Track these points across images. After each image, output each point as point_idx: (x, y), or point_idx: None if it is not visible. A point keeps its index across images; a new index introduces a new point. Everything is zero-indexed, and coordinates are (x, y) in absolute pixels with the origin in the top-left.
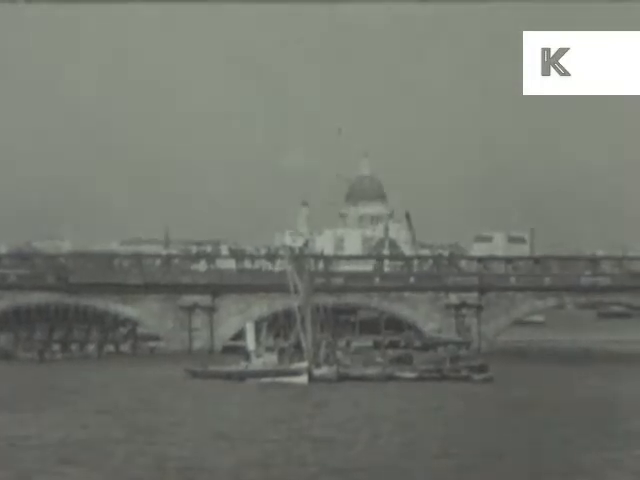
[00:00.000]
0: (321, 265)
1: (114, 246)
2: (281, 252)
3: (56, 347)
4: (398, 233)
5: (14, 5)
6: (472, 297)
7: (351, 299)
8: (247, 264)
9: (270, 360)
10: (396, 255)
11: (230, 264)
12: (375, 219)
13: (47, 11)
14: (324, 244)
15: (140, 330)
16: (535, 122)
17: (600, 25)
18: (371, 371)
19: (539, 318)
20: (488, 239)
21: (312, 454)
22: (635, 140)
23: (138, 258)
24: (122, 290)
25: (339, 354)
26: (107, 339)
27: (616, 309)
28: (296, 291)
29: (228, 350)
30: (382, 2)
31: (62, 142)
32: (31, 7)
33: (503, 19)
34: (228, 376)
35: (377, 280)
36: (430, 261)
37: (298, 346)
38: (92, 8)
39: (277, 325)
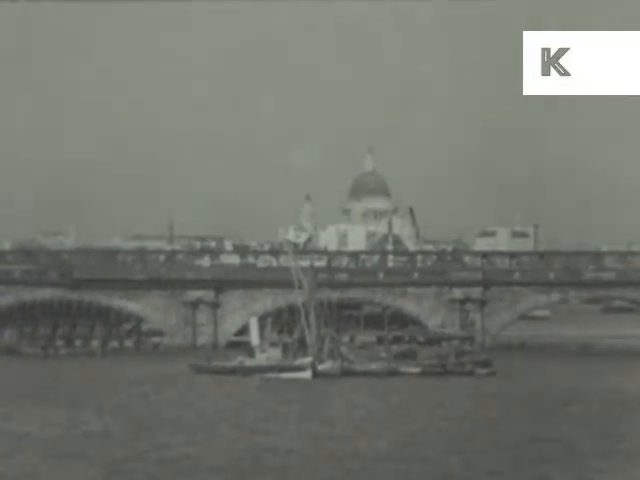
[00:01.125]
0: (325, 260)
1: (118, 242)
2: (285, 248)
3: (60, 342)
4: (402, 228)
5: (15, 4)
6: (476, 292)
7: (355, 294)
8: (251, 259)
9: (274, 355)
10: (400, 250)
11: (234, 259)
12: (379, 214)
13: (47, 11)
14: (328, 239)
15: (144, 326)
16: (535, 122)
17: (600, 25)
18: (375, 366)
19: (543, 313)
20: (492, 234)
21: (310, 449)
22: (635, 139)
23: (142, 254)
24: (126, 286)
25: (343, 349)
26: (111, 335)
27: (620, 304)
28: (300, 286)
29: (232, 345)
30: (384, 1)
31: (65, 140)
32: (32, 6)
33: (503, 19)
34: (232, 371)
35: (381, 275)
36: (434, 256)
37: (302, 341)
38: (92, 7)
39: (281, 320)
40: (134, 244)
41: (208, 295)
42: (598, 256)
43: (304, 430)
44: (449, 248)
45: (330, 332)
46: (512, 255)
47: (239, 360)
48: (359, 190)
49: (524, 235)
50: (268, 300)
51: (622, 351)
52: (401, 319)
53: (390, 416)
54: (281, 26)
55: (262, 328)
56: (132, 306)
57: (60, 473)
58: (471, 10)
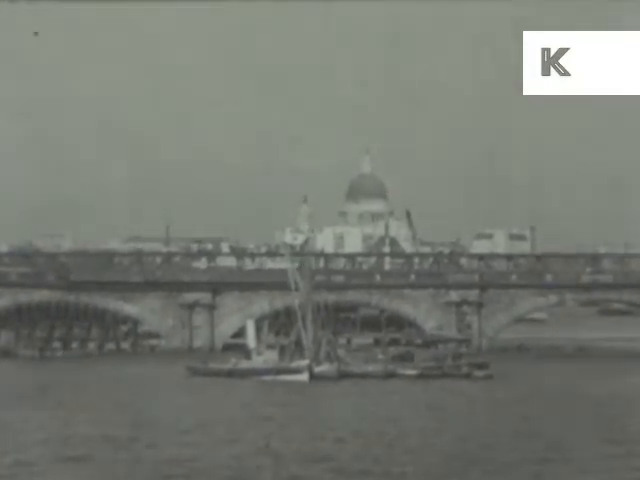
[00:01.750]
0: (322, 263)
1: (115, 244)
2: (282, 250)
3: (57, 345)
4: (399, 231)
5: (14, 5)
6: (473, 294)
7: (352, 297)
8: (248, 262)
9: (271, 358)
10: (397, 253)
11: (231, 262)
12: (376, 217)
13: (47, 11)
14: (324, 242)
15: (141, 328)
16: (535, 122)
17: (600, 25)
18: (372, 368)
19: (540, 315)
20: (489, 236)
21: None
22: (635, 139)
23: (139, 256)
24: (123, 288)
25: (340, 352)
26: (108, 337)
27: (617, 306)
28: (297, 289)
29: (229, 348)
30: (383, 1)
31: (62, 141)
32: (31, 7)
33: (503, 19)
34: (229, 374)
35: (378, 278)
36: (431, 259)
37: (299, 344)
38: (92, 8)
39: (278, 323)
40: (131, 246)
41: (205, 297)
42: (595, 258)
43: (300, 433)
44: (446, 250)
45: (327, 334)
46: (509, 257)
47: (233, 362)
48: (356, 192)
49: (521, 237)
50: (265, 302)
51: (619, 353)
52: (398, 321)
53: (387, 418)
54: (280, 26)
55: (259, 330)
56: (129, 308)
57: (57, 475)
58: (471, 10)
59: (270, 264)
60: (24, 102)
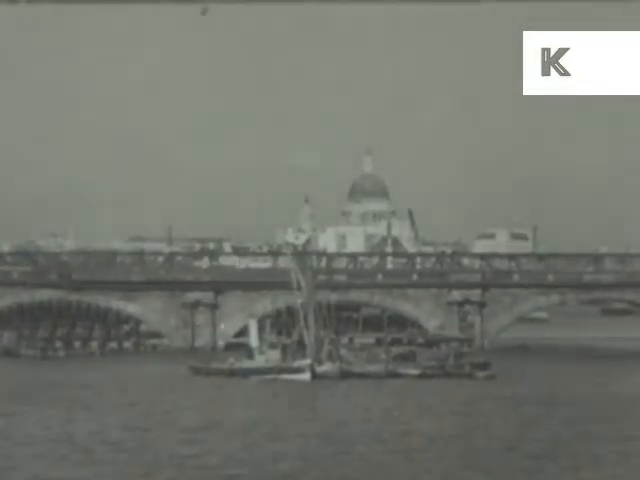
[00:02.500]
0: (324, 262)
1: (117, 243)
2: (284, 249)
3: (59, 344)
4: (401, 230)
5: (14, 5)
6: (475, 294)
7: (354, 296)
8: (250, 261)
9: (273, 357)
10: (399, 252)
11: (233, 261)
12: (378, 216)
13: (47, 11)
14: (327, 241)
15: (143, 327)
16: (535, 122)
17: (600, 25)
18: (374, 368)
19: (542, 315)
20: (491, 236)
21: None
22: (635, 139)
23: (141, 255)
24: (125, 287)
25: (342, 351)
26: (110, 336)
27: (619, 306)
28: (299, 288)
29: (231, 347)
30: (383, 2)
31: (63, 141)
32: (31, 7)
33: (503, 19)
34: (231, 373)
35: (380, 277)
36: (433, 258)
37: (301, 343)
38: (92, 8)
39: (280, 322)
40: (133, 246)
41: (207, 297)
42: (597, 258)
43: (301, 432)
44: (448, 250)
45: (329, 334)
46: (511, 257)
47: (230, 362)
48: (358, 192)
49: (523, 237)
50: (267, 302)
51: (621, 353)
52: (400, 321)
53: (388, 418)
54: (281, 26)
55: (261, 330)
56: (131, 308)
57: (59, 475)
58: (471, 10)
59: (272, 263)
60: (24, 102)
